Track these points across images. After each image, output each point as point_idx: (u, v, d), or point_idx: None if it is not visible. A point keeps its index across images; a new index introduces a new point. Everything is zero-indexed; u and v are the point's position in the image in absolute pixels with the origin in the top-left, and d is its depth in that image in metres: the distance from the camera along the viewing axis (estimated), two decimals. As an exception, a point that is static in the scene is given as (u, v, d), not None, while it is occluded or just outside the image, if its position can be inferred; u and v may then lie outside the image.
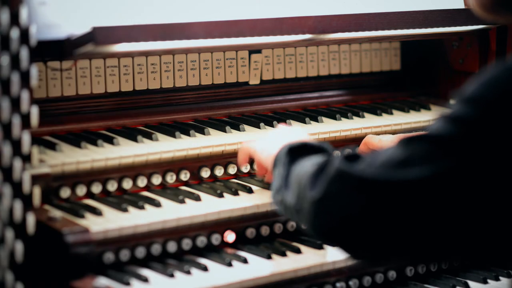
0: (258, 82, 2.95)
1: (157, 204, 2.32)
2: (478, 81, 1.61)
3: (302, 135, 2.30)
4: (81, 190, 2.34)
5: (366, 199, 1.68)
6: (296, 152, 2.07)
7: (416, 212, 1.65)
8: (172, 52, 2.73)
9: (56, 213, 2.18)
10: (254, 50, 2.92)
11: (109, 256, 2.19)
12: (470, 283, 2.62)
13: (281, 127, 2.45)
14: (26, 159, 2.13)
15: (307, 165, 1.90)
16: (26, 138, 2.11)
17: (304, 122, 2.79)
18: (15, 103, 2.09)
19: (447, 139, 1.62)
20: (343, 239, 1.75)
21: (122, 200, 2.34)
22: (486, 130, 1.58)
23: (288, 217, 1.97)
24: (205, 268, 2.22)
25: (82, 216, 2.21)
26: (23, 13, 2.09)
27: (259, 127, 2.70)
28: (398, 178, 1.65)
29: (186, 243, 2.31)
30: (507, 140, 1.57)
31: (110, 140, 2.46)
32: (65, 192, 2.31)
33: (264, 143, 2.35)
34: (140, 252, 2.24)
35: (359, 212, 1.69)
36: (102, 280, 2.11)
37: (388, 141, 2.56)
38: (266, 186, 2.51)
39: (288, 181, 1.99)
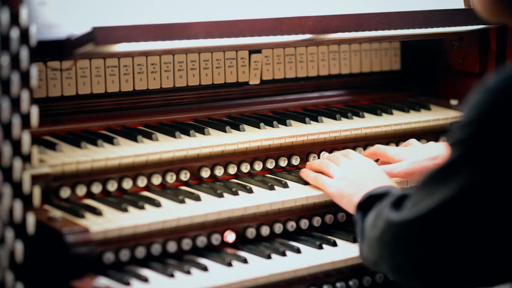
0: (258, 82, 2.95)
1: (157, 204, 2.32)
2: (466, 107, 1.77)
3: (375, 171, 2.46)
4: (81, 190, 2.34)
5: (412, 238, 1.89)
6: (365, 206, 2.24)
7: (450, 233, 1.81)
8: (172, 52, 2.73)
9: (56, 213, 2.18)
10: (254, 50, 2.92)
11: (109, 256, 2.19)
12: (470, 283, 2.62)
13: (349, 162, 2.50)
14: (26, 159, 2.13)
15: (371, 217, 2.11)
16: (26, 138, 2.11)
17: (304, 122, 2.79)
18: (15, 103, 2.09)
19: (454, 162, 1.79)
20: (411, 278, 1.95)
21: (122, 200, 2.34)
22: (481, 145, 1.74)
23: (376, 270, 2.15)
24: (205, 268, 2.22)
25: (82, 216, 2.21)
26: (23, 13, 2.09)
27: (259, 127, 2.70)
28: (428, 207, 1.83)
29: (186, 243, 2.31)
30: (500, 151, 1.73)
31: (110, 140, 2.46)
32: (65, 192, 2.31)
33: (341, 185, 2.44)
34: (140, 252, 2.24)
35: (413, 254, 1.89)
36: (102, 280, 2.11)
37: (405, 157, 2.61)
38: (266, 186, 2.51)
39: (364, 236, 2.16)
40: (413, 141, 2.73)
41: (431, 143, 2.73)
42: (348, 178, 2.43)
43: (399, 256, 1.92)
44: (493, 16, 1.85)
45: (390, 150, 2.64)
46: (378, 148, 2.67)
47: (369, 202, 2.22)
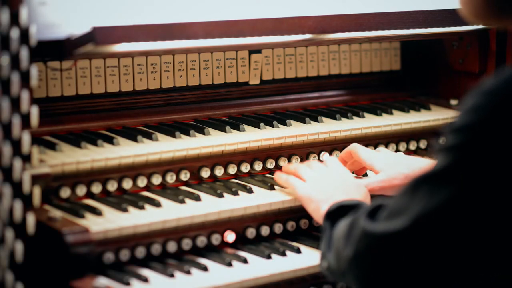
0: (258, 82, 2.95)
1: (157, 204, 2.32)
2: (462, 110, 1.66)
3: (348, 182, 2.39)
4: (81, 190, 2.34)
5: (386, 253, 1.77)
6: (334, 215, 2.15)
7: (431, 249, 1.71)
8: (172, 52, 2.73)
9: (56, 213, 2.18)
10: (254, 50, 2.92)
11: (109, 256, 2.19)
12: (470, 283, 2.62)
13: (323, 168, 2.45)
14: (26, 159, 2.13)
15: (342, 226, 1.99)
16: (26, 138, 2.11)
17: (304, 122, 2.79)
18: (15, 103, 2.09)
19: (444, 169, 1.67)
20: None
21: (122, 200, 2.34)
22: (476, 154, 1.63)
23: (336, 280, 2.08)
24: (205, 268, 2.22)
25: (82, 216, 2.21)
26: (23, 13, 2.09)
27: (259, 127, 2.70)
28: (405, 223, 1.72)
29: (186, 243, 2.31)
30: (497, 161, 1.61)
31: (110, 140, 2.46)
32: (65, 192, 2.31)
33: (311, 190, 2.37)
34: (140, 252, 2.24)
35: (384, 267, 1.78)
36: (102, 280, 2.11)
37: (376, 164, 2.54)
38: (266, 186, 2.51)
39: (331, 243, 2.06)
40: (382, 149, 2.68)
41: (408, 156, 2.66)
42: (319, 183, 2.37)
43: (371, 266, 1.80)
44: (480, 19, 1.77)
45: (363, 151, 2.57)
46: (353, 146, 2.59)
47: (339, 211, 2.15)
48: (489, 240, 1.67)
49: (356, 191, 2.35)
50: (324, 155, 2.71)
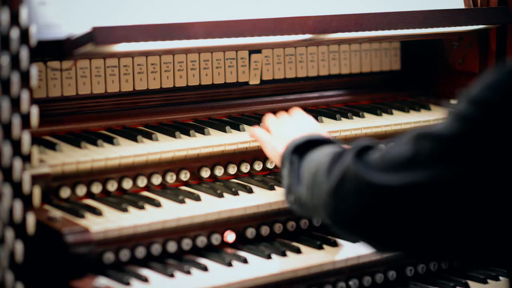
0: (258, 82, 2.95)
1: (157, 204, 2.32)
2: (482, 83, 1.64)
3: (313, 129, 2.38)
4: (81, 190, 2.34)
5: (374, 202, 1.74)
6: (303, 148, 2.12)
7: (421, 214, 1.69)
8: (172, 52, 2.73)
9: (56, 213, 2.18)
10: (254, 50, 2.92)
11: (109, 256, 2.19)
12: (470, 283, 2.62)
13: (287, 118, 2.47)
14: (26, 159, 2.13)
15: (319, 156, 1.95)
16: (26, 138, 2.11)
17: (304, 122, 2.79)
18: (15, 103, 2.09)
19: (453, 138, 1.65)
20: (355, 231, 1.81)
21: (122, 200, 2.34)
22: (490, 132, 1.61)
23: (303, 214, 2.03)
24: (205, 268, 2.22)
25: (82, 216, 2.21)
26: (23, 13, 2.09)
27: (259, 127, 2.71)
28: (403, 182, 1.69)
29: (186, 243, 2.31)
30: (508, 146, 1.60)
31: (110, 140, 2.46)
32: (65, 192, 2.31)
33: (274, 140, 2.40)
34: (140, 252, 2.24)
35: (367, 213, 1.75)
36: (102, 280, 2.11)
37: None
38: (266, 186, 2.51)
39: (300, 176, 2.03)
40: None
41: None
42: (280, 130, 2.41)
43: (352, 208, 1.77)
44: None
45: None
46: None
47: (307, 145, 2.11)
48: (481, 224, 1.66)
49: (316, 132, 2.32)
50: None
